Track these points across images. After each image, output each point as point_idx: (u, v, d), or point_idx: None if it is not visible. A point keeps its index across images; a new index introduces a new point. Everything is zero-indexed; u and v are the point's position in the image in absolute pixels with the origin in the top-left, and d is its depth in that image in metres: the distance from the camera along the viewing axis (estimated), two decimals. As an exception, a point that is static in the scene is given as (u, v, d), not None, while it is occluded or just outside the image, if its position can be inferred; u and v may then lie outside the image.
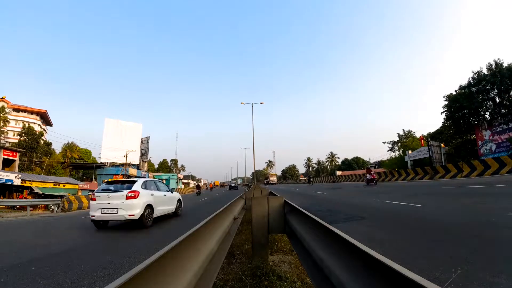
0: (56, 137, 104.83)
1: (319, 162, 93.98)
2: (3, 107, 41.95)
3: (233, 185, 58.82)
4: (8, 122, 42.93)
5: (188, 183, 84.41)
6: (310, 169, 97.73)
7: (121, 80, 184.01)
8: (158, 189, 9.20)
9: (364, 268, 0.99)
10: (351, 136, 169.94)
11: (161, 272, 0.97)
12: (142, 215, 7.60)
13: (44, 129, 54.54)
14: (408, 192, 11.95)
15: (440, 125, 38.06)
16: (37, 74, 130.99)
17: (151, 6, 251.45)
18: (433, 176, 19.36)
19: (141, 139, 58.02)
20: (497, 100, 26.81)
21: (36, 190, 24.77)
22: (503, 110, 26.19)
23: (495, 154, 24.78)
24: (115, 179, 13.99)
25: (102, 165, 50.17)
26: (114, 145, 49.56)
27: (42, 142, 45.75)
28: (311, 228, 1.94)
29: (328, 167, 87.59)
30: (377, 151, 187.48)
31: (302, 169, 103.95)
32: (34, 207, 18.29)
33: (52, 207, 17.23)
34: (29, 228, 10.42)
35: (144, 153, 58.44)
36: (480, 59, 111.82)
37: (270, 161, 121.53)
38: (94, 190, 38.73)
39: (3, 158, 29.07)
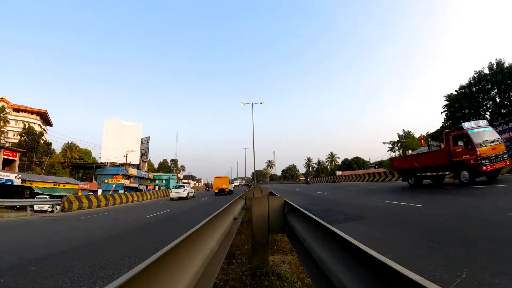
0: (56, 137, 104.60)
1: (319, 162, 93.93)
2: (3, 107, 41.97)
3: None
4: (8, 122, 42.92)
5: (188, 183, 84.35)
6: (310, 169, 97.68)
7: (121, 80, 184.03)
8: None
9: (364, 268, 0.99)
10: (351, 136, 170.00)
11: (161, 272, 0.96)
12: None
13: (44, 129, 54.50)
14: (408, 192, 11.95)
15: (440, 125, 38.09)
16: (37, 74, 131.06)
17: (151, 6, 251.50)
18: (433, 176, 19.30)
19: (141, 139, 58.01)
20: (498, 100, 26.78)
21: (36, 190, 24.77)
22: (503, 110, 26.17)
23: (495, 154, 24.74)
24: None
25: (102, 165, 50.17)
26: (114, 145, 49.58)
27: (42, 142, 45.72)
28: (311, 228, 1.94)
29: (328, 167, 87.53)
30: (377, 151, 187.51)
31: (302, 169, 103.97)
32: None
33: (52, 207, 17.22)
34: (29, 228, 10.43)
35: (144, 153, 58.45)
36: (480, 59, 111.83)
37: (270, 161, 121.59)
38: (95, 190, 38.62)
39: (3, 158, 29.09)
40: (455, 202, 7.60)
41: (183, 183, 55.45)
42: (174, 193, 24.51)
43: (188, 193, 25.05)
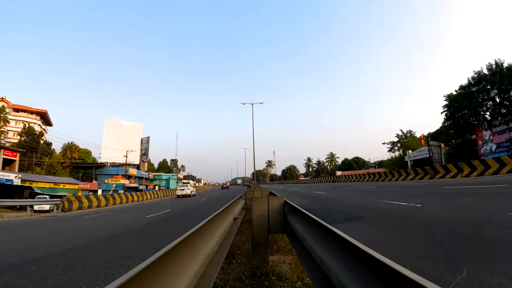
0: (56, 137, 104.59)
1: (319, 162, 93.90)
2: (3, 107, 41.96)
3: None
4: (8, 122, 42.92)
5: (188, 183, 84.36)
6: (310, 169, 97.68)
7: (121, 79, 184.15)
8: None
9: (364, 268, 0.99)
10: (351, 136, 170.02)
11: (161, 272, 0.97)
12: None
13: (44, 129, 54.49)
14: (408, 192, 11.95)
15: (440, 125, 38.13)
16: (37, 74, 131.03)
17: (151, 5, 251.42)
18: (433, 176, 19.34)
19: (141, 139, 57.99)
20: (497, 100, 26.78)
21: (36, 190, 24.77)
22: (503, 110, 26.16)
23: (495, 154, 24.77)
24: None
25: (102, 165, 50.15)
26: (114, 145, 49.57)
27: (42, 142, 45.72)
28: (311, 228, 1.94)
29: (328, 167, 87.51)
30: (377, 151, 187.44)
31: (302, 169, 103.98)
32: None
33: (52, 207, 17.22)
34: (29, 228, 10.43)
35: (144, 153, 58.43)
36: (481, 59, 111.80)
37: (270, 161, 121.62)
38: (95, 190, 38.65)
39: (3, 158, 29.07)
40: (455, 202, 7.60)
41: (183, 183, 56.80)
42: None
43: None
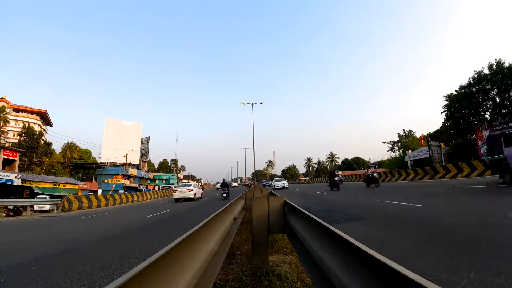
0: (56, 137, 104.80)
1: (319, 162, 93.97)
2: (3, 107, 41.99)
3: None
4: (8, 122, 42.95)
5: (189, 183, 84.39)
6: (310, 169, 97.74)
7: (121, 80, 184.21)
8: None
9: (365, 268, 0.99)
10: (351, 136, 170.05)
11: (161, 272, 0.96)
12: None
13: (44, 129, 54.51)
14: (408, 192, 11.95)
15: (440, 125, 38.14)
16: (37, 74, 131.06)
17: (152, 6, 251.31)
18: (433, 176, 19.35)
19: (141, 139, 58.02)
20: (498, 100, 26.76)
21: (36, 190, 24.78)
22: (503, 110, 26.15)
23: (495, 154, 24.73)
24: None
25: (102, 165, 50.18)
26: (114, 145, 49.59)
27: (42, 142, 45.74)
28: (311, 228, 1.94)
29: (328, 167, 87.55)
30: (377, 151, 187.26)
31: (302, 169, 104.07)
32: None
33: (52, 207, 17.22)
34: (29, 228, 10.43)
35: (144, 153, 58.46)
36: (481, 58, 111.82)
37: (270, 161, 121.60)
38: (95, 190, 38.47)
39: (3, 158, 29.07)
40: (454, 202, 7.61)
41: (183, 182, 53.58)
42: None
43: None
